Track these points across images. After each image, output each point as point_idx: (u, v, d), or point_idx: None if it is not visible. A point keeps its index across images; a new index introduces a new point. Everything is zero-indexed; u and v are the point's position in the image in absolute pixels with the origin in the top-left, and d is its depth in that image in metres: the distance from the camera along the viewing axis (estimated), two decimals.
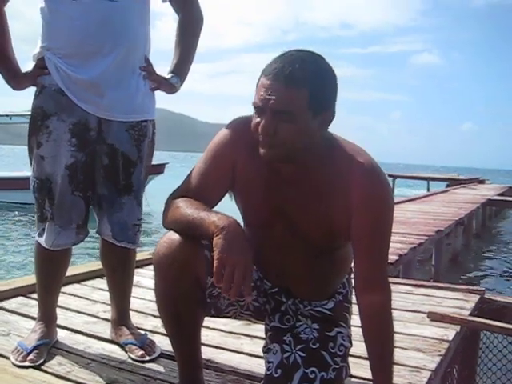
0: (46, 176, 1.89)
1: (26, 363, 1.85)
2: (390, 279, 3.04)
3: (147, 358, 1.93)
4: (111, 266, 2.11)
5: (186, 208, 1.43)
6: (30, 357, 1.87)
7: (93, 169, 1.92)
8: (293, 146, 1.36)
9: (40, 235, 1.95)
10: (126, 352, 1.99)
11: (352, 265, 1.69)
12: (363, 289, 1.48)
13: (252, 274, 1.33)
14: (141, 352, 1.95)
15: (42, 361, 1.87)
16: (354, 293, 1.70)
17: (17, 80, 1.91)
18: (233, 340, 2.18)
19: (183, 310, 1.53)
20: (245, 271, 1.30)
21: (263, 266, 1.60)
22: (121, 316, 2.13)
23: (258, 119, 1.37)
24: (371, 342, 1.52)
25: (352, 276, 1.72)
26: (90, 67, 1.83)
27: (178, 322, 1.56)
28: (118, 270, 2.09)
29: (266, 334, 1.65)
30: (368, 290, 1.47)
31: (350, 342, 1.61)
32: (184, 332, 1.59)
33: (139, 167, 1.96)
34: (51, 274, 2.05)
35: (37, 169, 1.91)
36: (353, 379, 1.79)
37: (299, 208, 1.48)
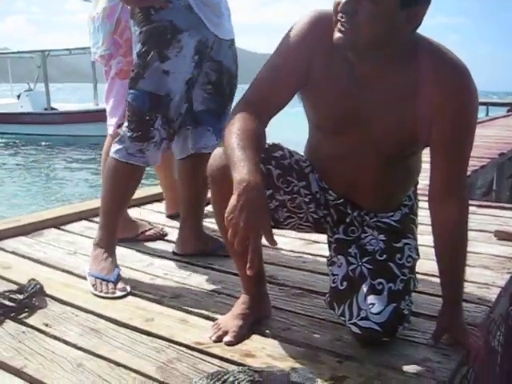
0: (167, 91, 1.86)
1: (118, 293, 1.81)
2: None
3: None
4: (199, 177, 2.08)
5: (232, 137, 1.32)
6: (119, 286, 1.84)
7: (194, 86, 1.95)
8: (371, 32, 1.26)
9: (132, 155, 1.90)
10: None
11: (419, 178, 1.64)
12: (440, 199, 1.42)
13: (259, 247, 1.26)
14: None
15: (129, 289, 1.84)
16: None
17: None
18: (294, 258, 2.16)
19: None
20: (253, 238, 1.21)
21: (330, 174, 1.54)
22: (200, 225, 2.20)
23: None
24: (444, 254, 1.47)
25: (418, 188, 1.67)
26: None
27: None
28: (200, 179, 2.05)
29: (329, 247, 1.62)
30: (446, 199, 1.42)
31: (418, 254, 1.56)
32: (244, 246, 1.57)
33: (237, 81, 2.09)
34: (128, 193, 2.06)
35: (155, 83, 1.85)
36: (419, 295, 1.74)
37: (376, 112, 1.40)
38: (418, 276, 1.87)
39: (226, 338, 1.47)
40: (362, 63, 1.36)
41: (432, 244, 2.21)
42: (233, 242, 1.50)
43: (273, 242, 1.22)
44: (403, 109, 1.38)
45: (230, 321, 1.53)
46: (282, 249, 2.22)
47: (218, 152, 1.45)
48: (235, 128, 1.34)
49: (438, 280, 1.88)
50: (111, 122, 2.29)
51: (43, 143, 14.73)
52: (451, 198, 1.42)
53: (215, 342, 1.48)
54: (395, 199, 1.58)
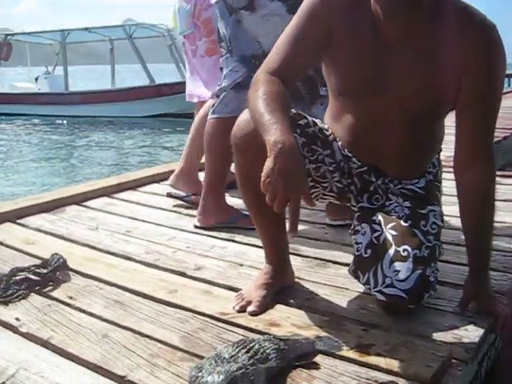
0: None
1: None
2: None
3: None
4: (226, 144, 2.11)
5: (259, 102, 1.29)
6: None
7: None
8: None
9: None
10: None
11: (443, 144, 1.60)
12: (467, 164, 1.40)
13: (298, 209, 1.17)
14: None
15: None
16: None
17: None
18: (317, 230, 2.14)
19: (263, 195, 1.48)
20: (293, 199, 1.15)
21: (354, 142, 1.51)
22: (222, 197, 2.24)
23: None
24: (471, 221, 1.46)
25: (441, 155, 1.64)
26: None
27: (259, 208, 1.52)
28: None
29: (353, 216, 1.59)
30: (473, 164, 1.39)
31: (443, 221, 1.53)
32: (267, 215, 1.55)
33: None
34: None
35: None
36: (445, 264, 1.72)
37: (402, 74, 1.36)
38: (445, 246, 1.86)
39: (250, 308, 1.47)
40: (389, 24, 1.33)
41: (456, 214, 2.20)
42: (258, 210, 1.50)
43: (312, 203, 1.20)
44: (430, 68, 1.35)
45: (253, 291, 1.52)
46: (304, 221, 2.20)
47: (241, 120, 1.43)
48: (260, 93, 1.30)
49: (463, 249, 1.86)
50: (200, 92, 2.62)
51: (62, 124, 14.82)
52: (478, 163, 1.39)
53: (239, 312, 1.47)
54: (420, 165, 1.55)
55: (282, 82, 1.36)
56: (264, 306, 1.48)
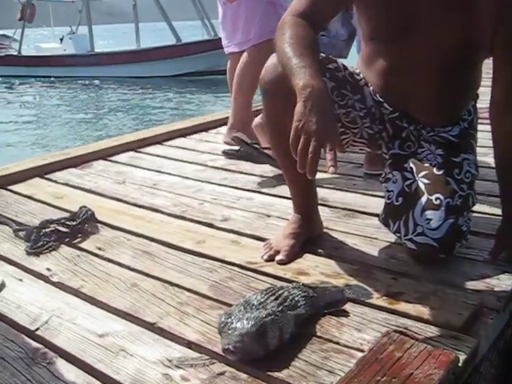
0: None
1: None
2: None
3: None
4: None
5: (286, 45, 1.25)
6: None
7: None
8: None
9: None
10: None
11: (480, 89, 1.55)
12: (504, 109, 1.35)
13: (335, 150, 1.09)
14: None
15: None
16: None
17: None
18: (345, 181, 2.11)
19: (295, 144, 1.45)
20: (328, 141, 1.08)
21: (386, 87, 1.47)
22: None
23: None
24: (506, 169, 1.40)
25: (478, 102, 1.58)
26: None
27: (290, 157, 1.49)
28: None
29: (384, 163, 1.56)
30: (509, 110, 1.34)
31: (477, 170, 1.49)
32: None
33: None
34: None
35: None
36: (477, 214, 1.68)
37: (436, 16, 1.31)
38: (477, 197, 1.83)
39: (278, 257, 1.46)
40: None
41: (490, 165, 2.15)
42: (289, 160, 1.46)
43: (342, 148, 1.16)
44: (467, 8, 1.29)
45: (281, 240, 1.51)
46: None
47: (269, 64, 1.39)
48: (287, 37, 1.26)
49: (496, 200, 1.82)
50: (237, 40, 2.59)
51: (87, 84, 14.84)
52: None
53: (267, 261, 1.47)
54: (454, 112, 1.50)
55: (310, 25, 1.31)
56: (292, 255, 1.47)
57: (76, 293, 1.38)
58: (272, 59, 1.38)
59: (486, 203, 1.81)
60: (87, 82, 14.94)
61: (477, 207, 1.72)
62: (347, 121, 1.47)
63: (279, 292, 1.17)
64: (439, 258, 1.39)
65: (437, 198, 1.36)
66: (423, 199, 1.37)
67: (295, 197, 1.58)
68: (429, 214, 1.35)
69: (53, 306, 1.32)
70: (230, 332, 1.05)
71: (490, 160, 2.20)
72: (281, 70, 1.29)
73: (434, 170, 1.42)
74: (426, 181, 1.40)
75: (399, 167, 1.46)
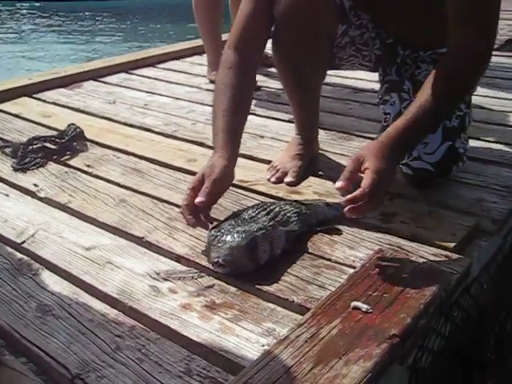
0: None
1: None
2: (510, 54, 2.78)
3: None
4: None
5: (216, 96, 1.28)
6: None
7: None
8: None
9: None
10: None
11: None
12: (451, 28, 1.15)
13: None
14: None
15: None
16: None
17: None
18: (341, 105, 2.06)
19: (308, 70, 1.42)
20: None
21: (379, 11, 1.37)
22: None
23: None
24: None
25: None
26: None
27: (297, 82, 1.46)
28: None
29: (381, 86, 1.50)
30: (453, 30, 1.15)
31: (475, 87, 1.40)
32: (305, 90, 1.50)
33: None
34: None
35: None
36: (474, 141, 1.65)
37: None
38: (474, 124, 1.78)
39: (287, 179, 1.42)
40: None
41: (488, 94, 2.10)
42: (296, 84, 1.46)
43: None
44: None
45: (287, 161, 1.47)
46: (327, 97, 2.11)
47: None
48: (219, 83, 1.28)
49: (494, 127, 1.79)
50: None
51: (80, 12, 14.36)
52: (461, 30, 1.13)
53: (275, 183, 1.42)
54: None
55: (246, 61, 1.29)
56: (300, 177, 1.43)
57: (63, 208, 1.35)
58: None
59: (484, 131, 1.77)
60: (79, 9, 14.44)
61: (474, 134, 1.69)
62: (360, 42, 1.40)
63: (271, 207, 1.14)
64: (436, 181, 1.36)
65: None
66: None
67: (300, 121, 1.54)
68: None
69: (39, 220, 1.29)
70: (219, 245, 1.03)
71: (487, 90, 2.17)
72: None
73: None
74: None
75: (396, 89, 1.40)
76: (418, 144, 1.22)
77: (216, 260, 1.02)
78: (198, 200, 1.09)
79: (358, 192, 0.95)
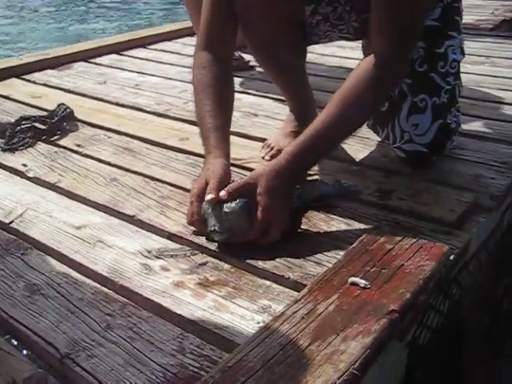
0: None
1: None
2: (506, 34, 2.76)
3: None
4: None
5: (198, 98, 1.23)
6: None
7: None
8: None
9: None
10: None
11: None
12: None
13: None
14: None
15: None
16: None
17: None
18: (336, 84, 2.01)
19: (285, 54, 1.40)
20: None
21: None
22: None
23: None
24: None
25: None
26: None
27: (277, 65, 1.45)
28: None
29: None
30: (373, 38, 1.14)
31: (463, 53, 1.36)
32: (287, 71, 1.48)
33: None
34: None
35: None
36: (470, 118, 1.62)
37: None
38: (472, 102, 1.76)
39: None
40: None
41: (484, 73, 2.08)
42: (277, 67, 1.45)
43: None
44: None
45: (281, 139, 1.44)
46: (321, 76, 2.08)
47: None
48: (201, 87, 1.23)
49: (491, 105, 1.77)
50: None
51: None
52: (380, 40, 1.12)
53: (269, 161, 1.39)
54: None
55: (219, 61, 1.25)
56: None
57: (53, 187, 1.31)
58: None
59: (480, 108, 1.75)
60: None
61: (472, 112, 1.67)
62: (335, 18, 1.37)
63: None
64: (432, 160, 1.33)
65: (422, 100, 1.27)
66: (407, 102, 1.28)
67: (290, 100, 1.52)
68: (415, 118, 1.28)
69: (28, 199, 1.26)
70: (215, 213, 1.01)
71: (485, 68, 2.15)
72: None
73: (416, 66, 1.29)
74: (409, 81, 1.28)
75: None
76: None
77: (213, 228, 1.01)
78: (208, 198, 1.03)
79: (253, 232, 1.01)
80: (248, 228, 1.01)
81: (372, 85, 1.10)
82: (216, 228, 1.01)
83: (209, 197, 1.03)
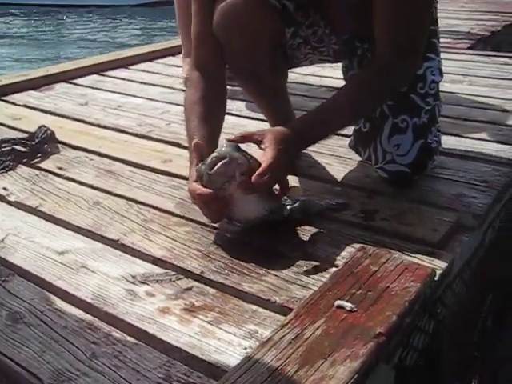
0: None
1: None
2: (482, 52, 2.83)
3: None
4: None
5: (187, 115, 1.27)
6: None
7: None
8: None
9: None
10: None
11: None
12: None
13: None
14: None
15: None
16: None
17: None
18: (317, 104, 2.03)
19: (265, 77, 1.44)
20: None
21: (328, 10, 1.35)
22: None
23: None
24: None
25: None
26: None
27: (255, 82, 1.47)
28: None
29: (344, 79, 1.49)
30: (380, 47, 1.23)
31: (441, 75, 1.39)
32: (264, 86, 1.49)
33: None
34: None
35: None
36: (451, 137, 1.64)
37: None
38: (452, 121, 1.79)
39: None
40: None
41: (462, 91, 2.12)
42: (254, 84, 1.48)
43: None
44: None
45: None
46: (304, 95, 2.10)
47: (224, 6, 1.28)
48: (190, 104, 1.28)
49: (471, 124, 1.80)
50: None
51: (52, 11, 14.12)
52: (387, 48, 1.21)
53: None
54: None
55: (212, 81, 1.30)
56: None
57: (34, 212, 1.30)
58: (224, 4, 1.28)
59: (462, 127, 1.77)
60: (50, 9, 14.20)
61: (452, 131, 1.69)
62: (315, 40, 1.40)
63: None
64: (414, 180, 1.34)
65: (403, 120, 1.29)
66: (388, 123, 1.30)
67: (270, 119, 1.54)
68: (396, 139, 1.29)
69: (9, 225, 1.24)
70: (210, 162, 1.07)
71: (463, 87, 2.18)
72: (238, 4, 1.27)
73: None
74: (390, 102, 1.29)
75: None
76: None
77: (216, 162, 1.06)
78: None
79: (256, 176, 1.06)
80: (246, 160, 1.07)
81: (385, 75, 1.22)
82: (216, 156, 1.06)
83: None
